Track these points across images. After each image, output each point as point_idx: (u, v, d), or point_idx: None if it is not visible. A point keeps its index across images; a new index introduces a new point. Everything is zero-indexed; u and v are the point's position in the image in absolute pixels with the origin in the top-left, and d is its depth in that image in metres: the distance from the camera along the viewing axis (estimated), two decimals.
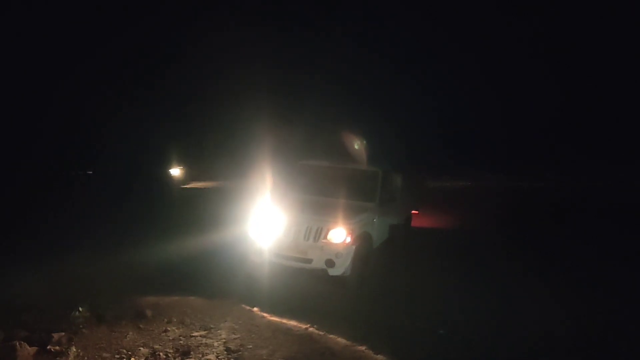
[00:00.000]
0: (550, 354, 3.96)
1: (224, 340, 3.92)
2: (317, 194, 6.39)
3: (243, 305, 4.71)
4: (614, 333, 4.41)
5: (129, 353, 3.63)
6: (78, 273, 5.51)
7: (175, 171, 16.64)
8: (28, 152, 13.36)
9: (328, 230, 5.28)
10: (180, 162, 16.81)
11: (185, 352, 3.67)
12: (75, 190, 13.16)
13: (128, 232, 7.99)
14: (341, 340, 3.95)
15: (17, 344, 3.44)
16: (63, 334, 3.77)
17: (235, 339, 3.96)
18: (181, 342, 3.86)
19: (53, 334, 3.72)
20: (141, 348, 3.71)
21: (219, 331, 4.10)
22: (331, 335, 4.05)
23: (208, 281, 5.51)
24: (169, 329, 4.10)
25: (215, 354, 3.66)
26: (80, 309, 4.28)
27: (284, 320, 4.38)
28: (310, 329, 4.22)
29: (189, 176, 17.22)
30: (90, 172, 15.37)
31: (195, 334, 4.03)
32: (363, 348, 3.83)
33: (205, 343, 3.85)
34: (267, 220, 5.57)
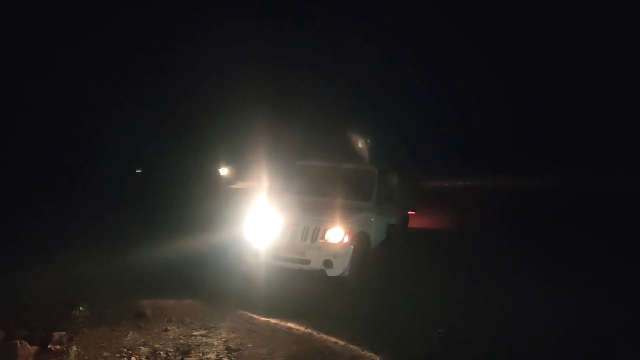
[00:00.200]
0: (550, 353, 3.97)
1: (224, 339, 3.94)
2: (314, 195, 6.38)
3: (242, 308, 4.69)
4: (614, 333, 4.40)
5: (130, 352, 3.65)
6: (80, 273, 5.53)
7: (224, 170, 16.58)
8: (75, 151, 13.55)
9: (325, 230, 5.26)
10: (229, 162, 16.77)
11: (185, 351, 3.69)
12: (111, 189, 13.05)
13: (149, 231, 7.97)
14: (341, 340, 3.97)
15: (18, 343, 3.46)
16: (64, 333, 3.80)
17: (235, 338, 3.98)
18: (181, 341, 3.88)
19: (54, 333, 3.75)
20: (142, 347, 3.73)
21: (219, 330, 4.13)
22: (331, 335, 4.07)
23: (208, 282, 5.52)
24: (169, 328, 4.13)
25: (215, 352, 3.68)
26: (81, 308, 4.31)
27: (284, 321, 4.38)
28: (310, 329, 4.23)
29: (236, 176, 17.17)
30: (139, 171, 15.40)
31: (196, 333, 4.05)
32: (363, 347, 3.85)
33: (206, 342, 3.88)
34: (264, 221, 5.54)
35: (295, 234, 5.34)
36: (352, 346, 3.87)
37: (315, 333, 4.13)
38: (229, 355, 3.66)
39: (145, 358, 3.58)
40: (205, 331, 4.10)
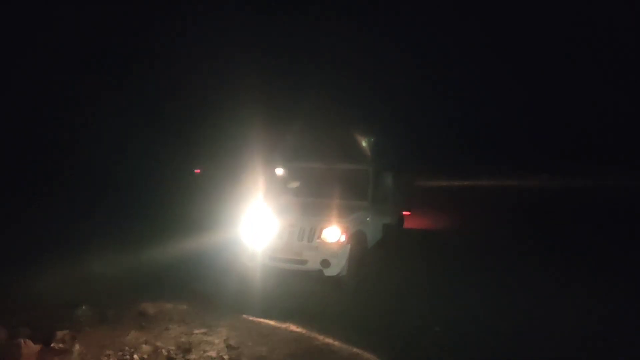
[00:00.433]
0: (548, 351, 4.01)
1: (224, 337, 4.01)
2: (310, 195, 6.41)
3: (241, 310, 4.73)
4: (614, 332, 4.40)
5: (132, 350, 3.71)
6: (82, 273, 5.60)
7: (279, 171, 16.50)
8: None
9: (322, 230, 5.27)
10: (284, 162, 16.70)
11: (186, 349, 3.77)
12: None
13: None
14: (339, 339, 4.04)
15: (22, 341, 3.52)
16: (66, 332, 3.87)
17: (235, 336, 4.06)
18: (182, 339, 3.95)
19: (57, 332, 3.81)
20: (143, 345, 3.79)
21: (219, 329, 4.20)
22: (329, 334, 4.14)
23: (208, 282, 5.59)
24: (170, 327, 4.20)
25: (216, 350, 3.76)
26: (83, 307, 4.37)
27: (282, 321, 4.44)
28: (308, 328, 4.30)
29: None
30: (198, 171, 15.38)
31: (196, 331, 4.12)
32: (361, 345, 3.92)
33: (206, 340, 3.95)
34: (260, 223, 5.53)
35: (291, 234, 5.35)
36: (350, 344, 3.94)
37: (314, 332, 4.20)
38: (230, 352, 3.74)
39: (147, 356, 3.65)
40: (206, 330, 4.17)
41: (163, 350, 3.72)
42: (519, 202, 16.35)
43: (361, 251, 5.78)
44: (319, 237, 5.28)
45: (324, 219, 5.41)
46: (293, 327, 4.31)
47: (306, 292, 5.39)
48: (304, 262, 5.28)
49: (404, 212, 8.86)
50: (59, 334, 3.80)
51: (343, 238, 5.25)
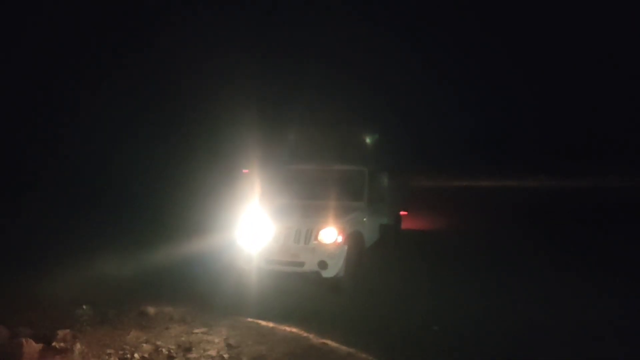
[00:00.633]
0: (548, 351, 4.01)
1: (224, 336, 4.06)
2: (306, 197, 6.43)
3: (239, 312, 4.73)
4: (614, 332, 4.40)
5: (132, 349, 3.75)
6: (83, 273, 5.64)
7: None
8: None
9: (318, 231, 5.27)
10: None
11: (187, 348, 3.81)
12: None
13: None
14: (338, 338, 4.07)
15: (24, 340, 3.54)
16: (68, 331, 3.89)
17: (235, 335, 4.10)
18: (183, 338, 3.99)
19: (58, 332, 3.84)
20: (144, 344, 3.84)
21: (219, 328, 4.24)
22: (327, 334, 4.16)
23: (207, 284, 5.63)
24: (170, 326, 4.24)
25: (216, 349, 3.80)
26: (85, 307, 4.41)
27: (281, 323, 4.45)
28: (307, 328, 4.32)
29: None
30: (247, 171, 15.39)
31: (197, 330, 4.16)
32: (359, 345, 3.94)
33: (207, 339, 3.99)
34: (256, 225, 5.52)
35: (288, 236, 5.33)
36: (349, 344, 3.97)
37: (312, 332, 4.23)
38: (229, 351, 3.78)
39: (148, 355, 3.69)
40: (206, 329, 4.21)
41: (163, 349, 3.76)
42: (519, 202, 16.38)
43: (358, 252, 5.81)
44: (316, 238, 5.27)
45: (320, 220, 5.41)
46: (292, 328, 4.34)
47: (304, 294, 5.41)
48: (301, 264, 5.27)
49: (401, 212, 8.88)
50: (60, 333, 3.83)
51: (340, 239, 5.26)
